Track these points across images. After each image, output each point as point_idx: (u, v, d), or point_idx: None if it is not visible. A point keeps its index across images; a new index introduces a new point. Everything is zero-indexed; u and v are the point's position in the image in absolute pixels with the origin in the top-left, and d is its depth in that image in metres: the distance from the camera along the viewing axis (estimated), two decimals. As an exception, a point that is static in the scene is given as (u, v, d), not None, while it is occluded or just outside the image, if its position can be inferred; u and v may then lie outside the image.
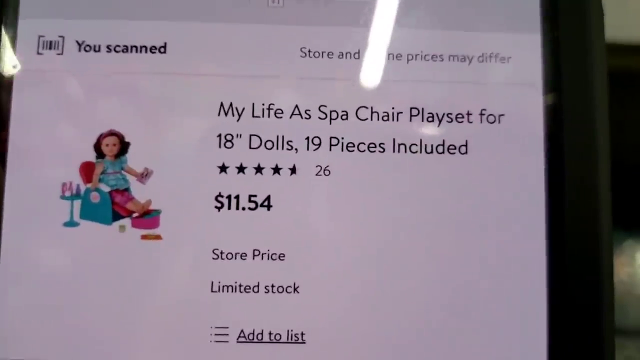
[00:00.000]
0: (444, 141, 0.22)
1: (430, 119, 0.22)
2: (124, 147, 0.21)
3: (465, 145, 0.22)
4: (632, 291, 0.56)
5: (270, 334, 0.21)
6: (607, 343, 0.21)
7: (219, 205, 0.21)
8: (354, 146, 0.22)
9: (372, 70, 0.22)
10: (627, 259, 0.57)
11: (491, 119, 0.22)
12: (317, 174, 0.21)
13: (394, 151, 0.22)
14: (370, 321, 0.21)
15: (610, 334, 0.21)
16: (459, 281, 0.21)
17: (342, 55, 0.22)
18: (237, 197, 0.21)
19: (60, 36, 0.22)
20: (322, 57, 0.22)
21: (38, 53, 0.22)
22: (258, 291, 0.21)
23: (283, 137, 0.22)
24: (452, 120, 0.22)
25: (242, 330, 0.21)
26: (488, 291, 0.21)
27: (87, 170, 0.21)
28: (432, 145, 0.22)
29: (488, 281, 0.21)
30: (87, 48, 0.22)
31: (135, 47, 0.22)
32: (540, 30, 0.22)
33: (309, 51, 0.22)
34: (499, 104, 0.22)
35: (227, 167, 0.21)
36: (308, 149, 0.22)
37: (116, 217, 0.21)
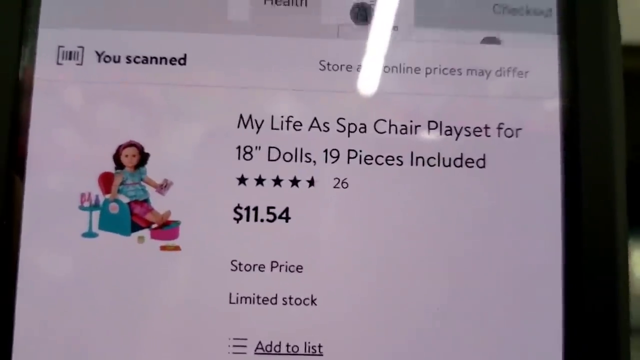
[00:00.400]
0: (462, 154, 0.22)
1: (448, 132, 0.22)
2: (143, 158, 0.22)
3: (483, 159, 0.22)
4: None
5: (287, 345, 0.21)
6: (624, 348, 0.21)
7: (237, 216, 0.21)
8: (372, 159, 0.22)
9: (390, 84, 0.22)
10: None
11: (509, 132, 0.22)
12: (335, 187, 0.22)
13: (411, 164, 0.22)
14: (387, 333, 0.21)
15: (626, 339, 0.21)
16: (478, 292, 0.21)
17: (361, 68, 0.22)
18: (255, 208, 0.21)
19: (79, 46, 0.22)
20: (341, 70, 0.22)
21: (58, 63, 0.22)
22: (276, 303, 0.21)
23: (302, 149, 0.22)
24: (469, 134, 0.22)
25: (259, 342, 0.21)
26: (506, 302, 0.21)
27: (106, 181, 0.22)
28: (450, 159, 0.22)
29: (506, 292, 0.21)
30: (107, 59, 0.22)
31: (155, 58, 0.22)
32: (558, 45, 0.22)
33: (328, 64, 0.22)
34: (517, 117, 0.22)
35: (246, 179, 0.22)
36: (326, 161, 0.22)
37: (135, 228, 0.21)
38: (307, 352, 0.21)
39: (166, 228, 0.21)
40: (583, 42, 0.22)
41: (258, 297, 0.21)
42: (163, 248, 0.21)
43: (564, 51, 0.22)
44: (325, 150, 0.22)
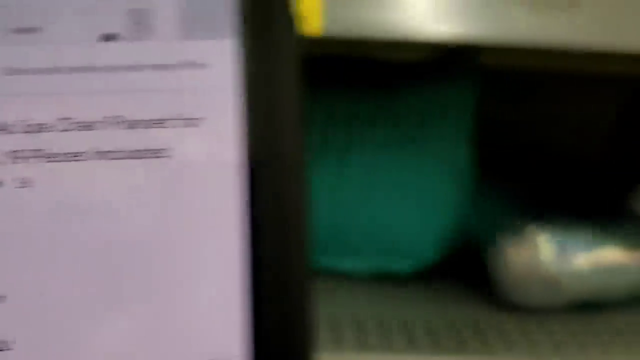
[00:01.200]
0: (145, 147, 0.23)
1: (128, 126, 0.23)
2: None
3: (167, 150, 0.23)
4: (533, 273, 0.59)
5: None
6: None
7: None
8: (55, 157, 0.22)
9: (72, 82, 0.23)
10: (529, 243, 0.59)
11: (191, 122, 0.23)
12: (19, 187, 0.22)
13: (94, 159, 0.22)
14: (79, 322, 0.22)
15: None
16: (156, 279, 0.22)
17: (44, 70, 0.23)
18: None
19: None
20: (24, 73, 0.23)
21: None
22: None
23: (-15, 153, 0.22)
24: (152, 127, 0.23)
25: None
26: (186, 272, 0.22)
27: None
28: (131, 151, 0.23)
29: (186, 262, 0.22)
30: None
31: None
32: (235, 36, 0.23)
33: (11, 69, 0.23)
34: (199, 108, 0.23)
35: None
36: (10, 162, 0.22)
37: None
38: (-5, 348, 0.22)
39: None
40: (257, 32, 0.23)
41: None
42: None
43: (241, 42, 0.23)
44: (9, 152, 0.22)
